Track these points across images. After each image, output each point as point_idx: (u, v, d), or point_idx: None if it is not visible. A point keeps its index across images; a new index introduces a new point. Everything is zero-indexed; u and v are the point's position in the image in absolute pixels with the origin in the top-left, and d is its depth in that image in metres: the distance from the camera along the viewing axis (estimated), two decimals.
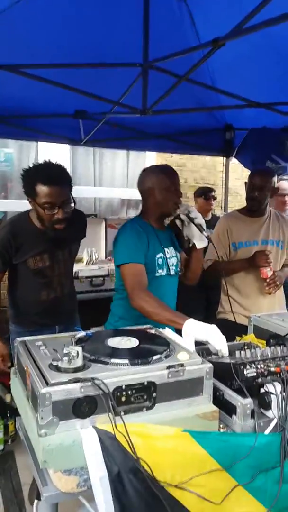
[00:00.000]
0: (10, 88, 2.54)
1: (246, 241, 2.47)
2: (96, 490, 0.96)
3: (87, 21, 2.18)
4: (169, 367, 1.18)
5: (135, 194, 3.02)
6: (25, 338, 1.35)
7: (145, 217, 1.98)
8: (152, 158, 4.96)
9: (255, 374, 1.27)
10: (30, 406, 1.14)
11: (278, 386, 1.26)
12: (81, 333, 1.37)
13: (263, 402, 1.26)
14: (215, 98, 2.96)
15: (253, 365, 1.29)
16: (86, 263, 3.77)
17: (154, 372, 1.16)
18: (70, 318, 2.19)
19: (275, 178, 2.48)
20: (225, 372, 1.29)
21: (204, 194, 3.93)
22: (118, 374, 1.12)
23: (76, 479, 1.00)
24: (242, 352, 1.39)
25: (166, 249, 1.97)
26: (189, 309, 2.66)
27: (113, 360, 1.18)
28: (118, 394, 1.10)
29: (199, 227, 1.89)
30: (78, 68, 2.27)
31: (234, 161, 3.98)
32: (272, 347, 1.42)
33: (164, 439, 1.07)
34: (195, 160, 5.19)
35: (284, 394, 1.23)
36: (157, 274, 1.91)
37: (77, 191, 4.70)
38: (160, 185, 1.90)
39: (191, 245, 2.02)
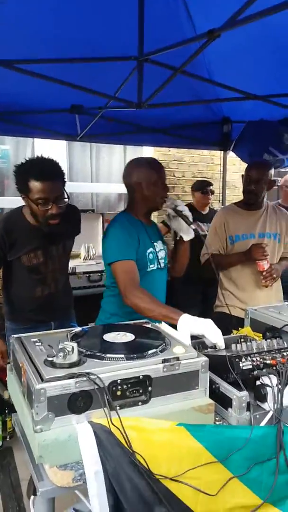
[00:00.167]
0: (5, 84, 2.52)
1: (243, 234, 2.47)
2: (90, 484, 0.96)
3: (81, 15, 2.16)
4: (164, 361, 1.18)
5: None
6: (21, 335, 1.36)
7: (133, 212, 1.97)
8: (149, 153, 4.94)
9: (250, 366, 1.28)
10: (25, 402, 1.14)
11: (274, 379, 1.26)
12: (77, 329, 1.37)
13: (259, 394, 1.26)
14: (212, 91, 2.94)
15: (249, 357, 1.30)
16: (83, 259, 3.76)
17: (150, 366, 1.16)
18: (66, 314, 2.19)
19: (271, 171, 2.48)
20: (220, 365, 1.29)
21: (202, 188, 3.92)
22: (114, 369, 1.13)
23: (72, 474, 1.01)
24: (238, 345, 1.39)
25: (155, 243, 1.98)
26: (186, 303, 2.68)
27: (108, 355, 1.18)
28: (114, 388, 1.11)
29: (186, 220, 1.90)
30: (73, 62, 2.24)
31: (231, 155, 3.97)
32: (268, 340, 1.42)
33: (159, 433, 1.08)
34: (192, 154, 5.17)
35: (279, 386, 1.24)
36: (149, 269, 1.91)
37: (74, 187, 4.74)
38: (148, 180, 1.90)
39: (178, 237, 2.05)
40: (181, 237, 2.01)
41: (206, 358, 1.22)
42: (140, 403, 1.15)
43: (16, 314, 2.10)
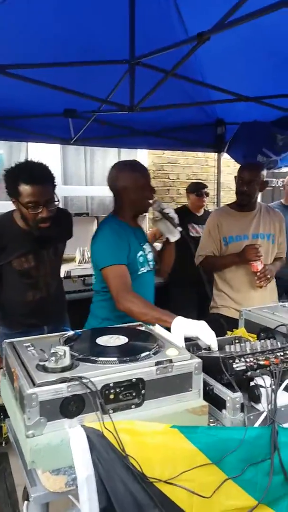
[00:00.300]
0: None
1: (236, 235, 2.48)
2: (81, 489, 0.96)
3: (72, 19, 2.17)
4: (157, 363, 1.18)
5: None
6: (13, 340, 1.35)
7: (120, 216, 1.96)
8: (143, 155, 4.95)
9: (244, 367, 1.28)
10: (18, 407, 1.13)
11: (268, 379, 1.26)
12: (70, 333, 1.37)
13: (253, 395, 1.26)
14: (205, 93, 2.95)
15: (242, 358, 1.29)
16: (78, 263, 3.76)
17: (143, 369, 1.16)
18: (59, 318, 2.18)
19: (264, 172, 2.49)
20: (214, 367, 1.29)
21: (197, 190, 3.93)
22: (106, 372, 1.12)
23: (65, 478, 1.00)
24: (232, 346, 1.39)
25: (144, 246, 1.99)
26: (182, 305, 2.68)
27: (101, 358, 1.17)
28: (107, 392, 1.10)
29: (172, 222, 1.95)
30: (64, 66, 2.25)
31: (226, 156, 3.98)
32: (262, 341, 1.42)
33: (153, 435, 1.07)
34: (187, 156, 5.19)
35: (273, 387, 1.23)
36: (140, 272, 1.91)
37: (69, 190, 4.75)
38: (135, 184, 1.90)
39: (164, 239, 2.09)
40: (167, 238, 2.06)
41: (200, 360, 1.22)
42: (133, 406, 1.14)
43: (8, 319, 2.09)
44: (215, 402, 1.25)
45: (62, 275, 3.43)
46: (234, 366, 1.27)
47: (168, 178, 5.12)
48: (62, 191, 4.56)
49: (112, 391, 1.11)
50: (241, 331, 1.72)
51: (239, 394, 1.20)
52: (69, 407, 1.06)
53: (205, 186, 3.99)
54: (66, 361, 1.12)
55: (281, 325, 1.53)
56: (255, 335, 1.65)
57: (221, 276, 2.53)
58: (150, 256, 2.02)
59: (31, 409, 1.02)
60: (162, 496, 1.05)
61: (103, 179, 4.94)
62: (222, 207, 2.71)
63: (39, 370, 1.11)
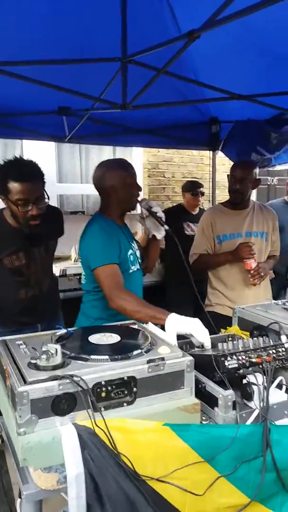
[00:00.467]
0: None
1: (230, 233, 2.48)
2: (70, 486, 0.96)
3: (66, 17, 2.15)
4: (149, 361, 1.18)
5: None
6: (5, 337, 1.34)
7: (108, 215, 1.95)
8: (138, 153, 4.95)
9: (236, 365, 1.28)
10: (10, 405, 1.13)
11: (260, 377, 1.27)
12: (62, 331, 1.37)
13: (245, 393, 1.27)
14: (198, 91, 2.94)
15: (235, 356, 1.29)
16: (74, 261, 3.75)
17: (134, 367, 1.16)
18: (52, 316, 2.18)
19: (256, 170, 2.49)
20: (207, 364, 1.29)
21: (192, 189, 3.93)
22: (98, 370, 1.12)
23: (56, 476, 1.00)
24: (225, 344, 1.40)
25: (132, 244, 1.99)
26: (178, 303, 2.69)
27: (93, 357, 1.17)
28: (98, 390, 1.10)
29: (160, 221, 1.97)
30: (56, 64, 2.24)
31: (221, 155, 3.98)
32: (255, 338, 1.43)
33: (144, 433, 1.07)
34: (182, 155, 5.18)
35: (265, 384, 1.24)
36: (130, 271, 1.91)
37: (64, 188, 4.73)
38: (123, 182, 1.90)
39: (150, 236, 2.11)
40: (153, 235, 2.08)
41: (191, 358, 1.22)
42: (125, 404, 1.14)
43: (1, 317, 2.08)
44: (208, 400, 1.25)
45: (57, 273, 3.44)
46: (226, 364, 1.27)
47: (164, 176, 5.12)
48: (57, 189, 4.55)
49: (103, 389, 1.11)
50: (234, 329, 1.73)
51: (231, 392, 1.20)
52: (61, 405, 1.05)
53: (200, 186, 3.99)
54: (58, 359, 1.12)
55: (274, 322, 1.53)
56: (248, 333, 1.66)
57: (215, 274, 2.53)
58: (138, 253, 2.03)
59: (22, 407, 1.01)
60: (154, 494, 1.05)
61: None
62: (216, 206, 2.72)
63: (31, 368, 1.11)
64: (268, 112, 3.11)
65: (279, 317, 1.61)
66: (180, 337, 1.48)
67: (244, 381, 1.29)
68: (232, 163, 3.83)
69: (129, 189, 1.91)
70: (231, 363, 1.27)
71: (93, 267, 1.79)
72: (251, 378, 1.27)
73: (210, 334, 1.47)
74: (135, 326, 1.50)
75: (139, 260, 2.02)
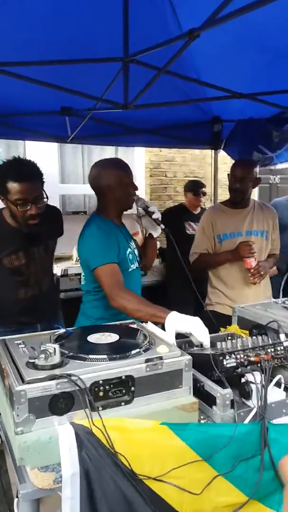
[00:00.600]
0: None
1: (230, 232, 2.48)
2: (65, 486, 0.96)
3: (67, 17, 2.16)
4: (147, 360, 1.18)
5: None
6: (5, 337, 1.35)
7: (105, 215, 1.95)
8: (141, 153, 4.95)
9: (234, 364, 1.28)
10: (8, 404, 1.14)
11: (258, 375, 1.27)
12: (61, 330, 1.37)
13: (244, 392, 1.27)
14: (200, 91, 2.94)
15: (233, 355, 1.29)
16: (75, 261, 3.75)
17: (132, 366, 1.16)
18: (52, 316, 2.18)
19: (256, 169, 2.50)
20: (205, 363, 1.29)
21: (194, 190, 3.92)
22: (96, 370, 1.12)
23: (53, 475, 1.00)
24: (223, 343, 1.40)
25: (130, 243, 2.00)
26: (179, 302, 2.68)
27: (91, 356, 1.17)
28: (96, 389, 1.11)
29: (157, 221, 2.00)
30: (57, 64, 2.24)
31: (223, 154, 3.98)
32: (254, 337, 1.42)
33: (142, 432, 1.07)
34: (184, 154, 5.18)
35: (263, 383, 1.24)
36: (130, 269, 1.92)
37: (66, 188, 4.73)
38: (118, 181, 1.90)
39: (147, 234, 2.14)
40: (150, 234, 2.12)
41: (190, 357, 1.22)
42: (123, 403, 1.14)
43: (1, 317, 2.09)
44: (206, 398, 1.25)
45: (59, 273, 3.45)
46: (225, 362, 1.27)
47: (165, 176, 5.12)
48: (59, 190, 4.57)
49: (101, 388, 1.11)
50: (233, 328, 1.73)
51: (229, 390, 1.20)
52: (58, 404, 1.06)
53: (203, 186, 3.98)
54: (56, 359, 1.13)
55: (273, 321, 1.53)
56: (247, 332, 1.66)
57: (215, 274, 2.53)
58: (136, 252, 2.04)
59: (20, 406, 1.02)
60: (152, 493, 1.06)
61: None
62: (216, 205, 2.73)
63: (29, 368, 1.12)
64: (270, 111, 3.10)
65: (279, 316, 1.61)
66: (179, 336, 1.49)
67: (243, 379, 1.29)
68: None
69: (125, 188, 1.92)
70: (229, 362, 1.28)
71: (93, 267, 1.79)
72: (249, 376, 1.27)
73: (210, 333, 1.47)
74: (134, 326, 1.51)
75: (138, 259, 2.03)
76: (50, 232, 2.10)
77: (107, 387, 1.12)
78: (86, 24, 2.21)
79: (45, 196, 1.87)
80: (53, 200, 1.99)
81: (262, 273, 2.38)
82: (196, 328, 1.44)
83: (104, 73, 2.36)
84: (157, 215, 2.00)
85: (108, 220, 1.93)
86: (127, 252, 1.92)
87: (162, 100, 2.72)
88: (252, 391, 1.24)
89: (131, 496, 1.04)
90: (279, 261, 2.75)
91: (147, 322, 1.53)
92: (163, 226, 1.98)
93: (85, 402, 1.07)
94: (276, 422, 1.21)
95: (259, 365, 1.30)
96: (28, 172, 1.83)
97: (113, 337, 1.33)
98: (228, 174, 2.51)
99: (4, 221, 1.95)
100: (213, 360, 1.26)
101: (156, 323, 1.50)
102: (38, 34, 2.19)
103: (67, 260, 3.74)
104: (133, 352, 1.21)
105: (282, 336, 1.42)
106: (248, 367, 1.29)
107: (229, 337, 1.59)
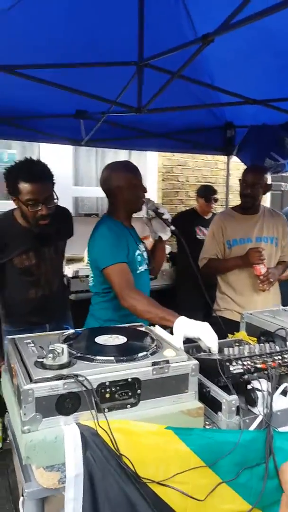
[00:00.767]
0: (11, 89, 2.55)
1: (240, 238, 2.48)
2: (69, 486, 0.97)
3: (83, 21, 2.19)
4: (154, 363, 1.18)
5: None
6: (15, 336, 1.37)
7: (115, 217, 1.97)
8: (154, 157, 4.97)
9: (241, 370, 1.28)
10: (16, 403, 1.15)
11: (265, 383, 1.26)
12: (70, 331, 1.38)
13: (250, 398, 1.26)
14: (214, 96, 2.95)
15: (240, 361, 1.29)
16: (86, 262, 3.77)
17: (139, 368, 1.16)
18: (61, 316, 2.20)
19: (267, 175, 2.48)
20: (212, 369, 1.29)
21: (206, 196, 3.92)
22: (103, 371, 1.13)
23: (58, 475, 1.01)
24: (231, 349, 1.40)
25: (139, 245, 2.01)
26: (189, 306, 2.68)
27: (98, 357, 1.18)
28: (102, 390, 1.11)
29: (167, 222, 2.00)
30: (72, 67, 2.27)
31: (235, 159, 3.97)
32: (261, 344, 1.42)
33: (147, 435, 1.08)
34: (196, 159, 5.18)
35: (269, 390, 1.23)
36: (138, 271, 1.93)
37: (80, 191, 4.76)
38: (128, 183, 1.92)
39: (157, 237, 2.14)
40: (160, 237, 2.12)
41: (196, 362, 1.22)
42: (129, 405, 1.15)
43: (11, 317, 2.12)
44: (212, 404, 1.25)
45: (70, 274, 3.47)
46: (231, 368, 1.27)
47: (178, 180, 5.13)
48: (73, 192, 4.61)
49: (108, 390, 1.12)
50: (241, 334, 1.72)
51: (234, 397, 1.20)
52: (65, 404, 1.07)
53: (215, 192, 3.98)
54: (64, 359, 1.14)
55: (281, 328, 1.52)
56: (255, 338, 1.65)
57: (224, 279, 2.53)
58: (145, 255, 2.05)
59: (27, 404, 1.03)
60: (155, 497, 1.06)
61: None
62: (226, 210, 2.72)
63: (37, 367, 1.13)
64: (283, 118, 3.09)
65: (287, 323, 1.60)
66: (188, 340, 1.49)
67: (249, 386, 1.28)
68: None
69: (134, 190, 1.93)
70: (236, 368, 1.27)
71: (103, 267, 1.80)
72: (255, 383, 1.27)
73: (218, 339, 1.46)
74: (142, 329, 1.51)
75: (147, 261, 2.04)
76: (60, 232, 2.12)
77: (113, 388, 1.13)
78: (101, 28, 2.24)
79: (55, 197, 1.90)
80: (66, 202, 2.01)
81: (271, 280, 2.37)
82: (204, 333, 1.44)
83: (118, 76, 2.38)
84: (167, 216, 2.01)
85: (118, 221, 1.95)
86: (136, 254, 1.93)
87: (175, 105, 2.73)
88: (258, 398, 1.24)
89: (135, 499, 1.04)
90: None
91: (155, 324, 1.54)
92: (173, 228, 1.99)
93: (91, 403, 1.08)
94: (281, 430, 1.20)
95: (265, 372, 1.29)
96: (39, 173, 1.85)
97: (120, 339, 1.34)
98: (239, 180, 2.51)
99: (16, 222, 1.98)
100: (220, 366, 1.26)
101: (164, 327, 1.51)
102: (54, 37, 2.22)
103: (79, 262, 3.76)
104: (140, 354, 1.22)
105: None
106: (255, 374, 1.29)
107: (237, 343, 1.59)
